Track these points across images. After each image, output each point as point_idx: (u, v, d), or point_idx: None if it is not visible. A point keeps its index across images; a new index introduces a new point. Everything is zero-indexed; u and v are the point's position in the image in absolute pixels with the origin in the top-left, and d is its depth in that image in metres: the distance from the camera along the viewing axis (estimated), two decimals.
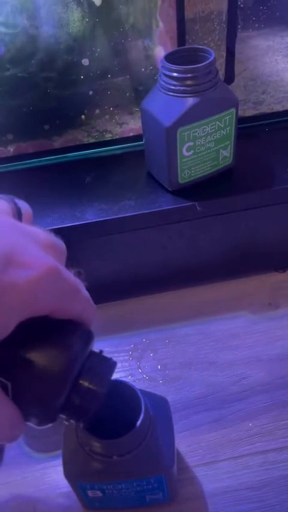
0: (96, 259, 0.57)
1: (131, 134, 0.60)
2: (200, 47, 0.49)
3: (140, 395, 0.37)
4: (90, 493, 0.40)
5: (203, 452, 0.47)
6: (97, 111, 0.58)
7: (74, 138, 0.60)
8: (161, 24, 0.52)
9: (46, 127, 0.58)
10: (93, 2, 0.50)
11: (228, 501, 0.44)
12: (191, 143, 0.49)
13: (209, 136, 0.50)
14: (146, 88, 0.55)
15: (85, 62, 0.53)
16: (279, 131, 0.62)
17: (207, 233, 0.58)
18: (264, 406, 0.50)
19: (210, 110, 0.48)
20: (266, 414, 0.50)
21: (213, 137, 0.50)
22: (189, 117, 0.47)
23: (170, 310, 0.60)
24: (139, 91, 0.57)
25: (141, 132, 0.54)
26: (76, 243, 0.52)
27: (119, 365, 0.55)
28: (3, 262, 0.23)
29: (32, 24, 0.50)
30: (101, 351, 0.29)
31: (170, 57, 0.48)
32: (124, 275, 0.60)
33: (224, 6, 0.52)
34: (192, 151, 0.50)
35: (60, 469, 0.38)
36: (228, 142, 0.52)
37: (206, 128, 0.49)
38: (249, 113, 0.62)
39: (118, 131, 0.60)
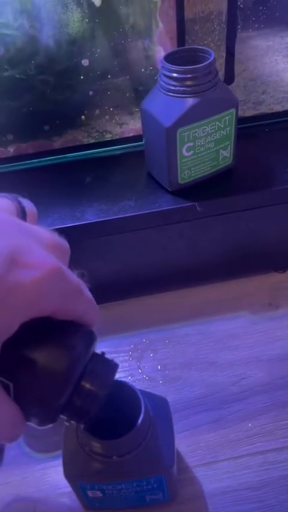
0: (96, 259, 0.57)
1: (131, 134, 0.60)
2: (200, 47, 0.49)
3: (139, 395, 0.37)
4: (90, 493, 0.40)
5: (203, 452, 0.48)
6: (97, 111, 0.58)
7: (74, 139, 0.60)
8: (160, 25, 0.52)
9: (46, 127, 0.58)
10: (93, 3, 0.50)
11: (228, 501, 0.44)
12: (191, 143, 0.49)
13: (209, 137, 0.50)
14: (146, 88, 0.55)
15: (85, 62, 0.53)
16: (279, 131, 0.62)
17: (207, 233, 0.58)
18: (264, 406, 0.50)
19: (210, 110, 0.48)
20: (266, 414, 0.50)
21: (213, 137, 0.50)
22: (189, 118, 0.47)
23: (170, 310, 0.60)
24: (139, 91, 0.57)
25: (141, 132, 0.54)
26: (76, 243, 0.52)
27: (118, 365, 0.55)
28: (8, 263, 0.23)
29: (32, 24, 0.50)
30: (103, 353, 0.29)
31: (169, 58, 0.48)
32: (124, 275, 0.60)
33: (224, 6, 0.52)
34: (192, 152, 0.50)
35: (60, 469, 0.38)
36: (228, 142, 0.52)
37: (206, 128, 0.49)
38: (249, 113, 0.62)
39: (118, 131, 0.60)
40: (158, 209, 0.52)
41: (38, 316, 0.24)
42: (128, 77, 0.56)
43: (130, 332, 0.59)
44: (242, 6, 0.53)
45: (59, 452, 0.39)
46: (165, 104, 0.48)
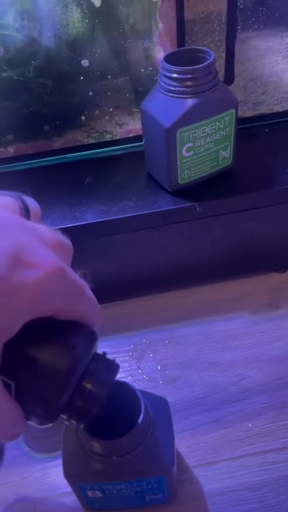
0: (96, 259, 0.58)
1: (131, 135, 0.60)
2: (200, 47, 0.49)
3: (139, 395, 0.37)
4: (90, 494, 0.40)
5: (203, 452, 0.48)
6: (97, 111, 0.58)
7: (74, 139, 0.60)
8: (160, 25, 0.52)
9: (46, 128, 0.58)
10: (92, 3, 0.50)
11: (228, 501, 0.44)
12: (191, 144, 0.49)
13: (208, 137, 0.50)
14: (146, 89, 0.55)
15: (85, 63, 0.53)
16: (279, 132, 0.62)
17: (207, 234, 0.58)
18: (264, 406, 0.50)
19: (210, 110, 0.48)
20: (266, 415, 0.50)
21: (213, 138, 0.50)
22: (188, 118, 0.47)
23: (170, 310, 0.61)
24: (139, 92, 0.57)
25: (141, 132, 0.55)
26: (76, 243, 0.52)
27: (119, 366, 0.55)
28: (12, 262, 0.23)
29: (32, 25, 0.50)
30: (104, 353, 0.29)
31: (169, 58, 0.48)
32: (124, 275, 0.60)
33: (224, 7, 0.52)
34: (192, 152, 0.50)
35: (60, 469, 0.38)
36: (227, 143, 0.52)
37: (205, 129, 0.49)
38: (249, 113, 0.62)
39: (118, 132, 0.60)
40: (158, 209, 0.52)
41: (40, 316, 0.24)
42: (127, 77, 0.56)
43: (130, 332, 0.59)
44: (241, 6, 0.53)
45: (59, 452, 0.39)
46: (165, 105, 0.48)
